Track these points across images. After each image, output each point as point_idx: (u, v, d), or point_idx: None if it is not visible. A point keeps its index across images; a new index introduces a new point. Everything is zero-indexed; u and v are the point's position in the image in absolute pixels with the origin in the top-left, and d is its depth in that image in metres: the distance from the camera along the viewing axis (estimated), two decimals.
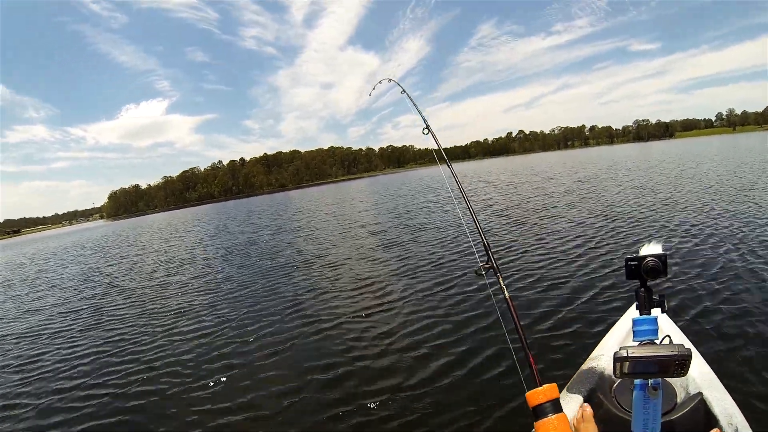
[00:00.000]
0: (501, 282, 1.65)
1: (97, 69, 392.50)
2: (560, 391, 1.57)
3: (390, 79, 3.54)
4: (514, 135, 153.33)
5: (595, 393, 1.88)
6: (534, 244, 8.08)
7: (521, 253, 7.53)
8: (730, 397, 1.73)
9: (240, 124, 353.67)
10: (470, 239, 2.25)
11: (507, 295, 1.59)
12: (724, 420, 1.61)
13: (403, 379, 3.85)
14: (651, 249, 1.40)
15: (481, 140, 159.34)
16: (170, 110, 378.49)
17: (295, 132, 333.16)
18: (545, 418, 1.07)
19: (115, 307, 8.44)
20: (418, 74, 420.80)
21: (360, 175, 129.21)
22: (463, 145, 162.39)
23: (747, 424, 1.63)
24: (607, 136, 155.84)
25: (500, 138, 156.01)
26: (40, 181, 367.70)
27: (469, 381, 3.61)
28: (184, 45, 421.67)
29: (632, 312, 1.87)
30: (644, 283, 1.39)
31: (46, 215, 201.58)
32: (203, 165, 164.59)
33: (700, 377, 1.81)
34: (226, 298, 7.63)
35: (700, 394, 1.72)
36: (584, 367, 2.09)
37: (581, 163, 36.70)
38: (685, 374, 1.20)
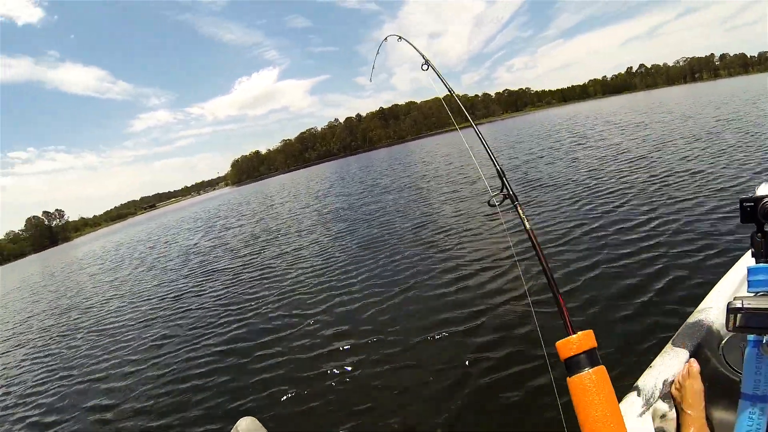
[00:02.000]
0: None
1: (206, 51, 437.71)
2: (665, 345, 1.79)
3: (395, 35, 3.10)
4: (634, 70, 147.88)
5: (702, 348, 1.81)
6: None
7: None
8: None
9: (352, 82, 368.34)
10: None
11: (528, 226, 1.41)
12: None
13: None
14: None
15: (599, 78, 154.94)
16: (282, 77, 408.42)
17: (409, 84, 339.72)
18: (580, 373, 0.92)
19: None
20: (525, 14, 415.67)
21: (479, 121, 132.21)
22: (581, 84, 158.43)
23: None
24: (740, 65, 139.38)
25: (620, 74, 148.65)
26: (168, 159, 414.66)
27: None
28: (285, 14, 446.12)
29: (747, 259, 1.82)
30: (761, 227, 1.24)
31: (177, 189, 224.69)
32: (320, 125, 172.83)
33: None
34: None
35: None
36: (690, 319, 2.01)
37: (716, 97, 31.30)
38: None
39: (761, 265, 1.22)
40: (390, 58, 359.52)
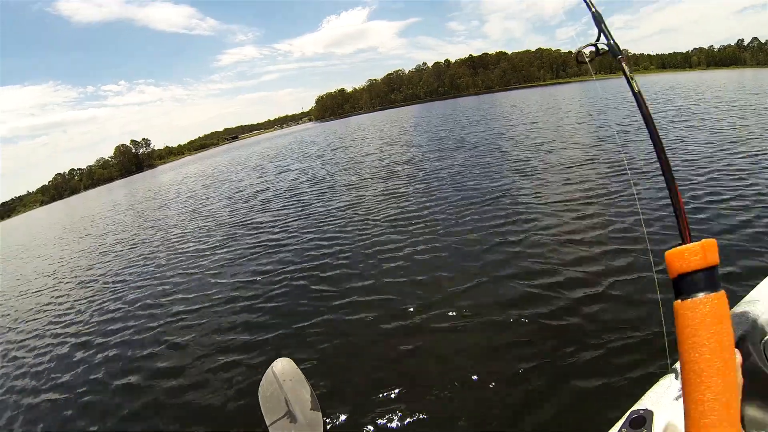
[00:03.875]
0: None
1: None
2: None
3: None
4: (746, 43, 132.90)
5: (744, 341, 1.74)
6: None
7: None
8: None
9: (444, 27, 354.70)
10: None
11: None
12: None
13: None
14: None
15: (706, 47, 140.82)
16: (371, 17, 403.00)
17: (501, 33, 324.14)
18: (694, 297, 0.69)
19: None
20: None
21: (569, 79, 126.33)
22: (684, 52, 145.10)
23: None
24: None
25: (729, 46, 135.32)
26: (252, 93, 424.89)
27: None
28: None
29: None
30: None
31: (260, 121, 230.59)
32: (408, 67, 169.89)
33: None
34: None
35: None
36: (736, 309, 1.92)
37: None
38: None
39: None
40: (483, 6, 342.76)
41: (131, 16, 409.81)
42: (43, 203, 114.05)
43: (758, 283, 2.08)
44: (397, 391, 3.24)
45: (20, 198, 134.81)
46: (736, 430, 0.67)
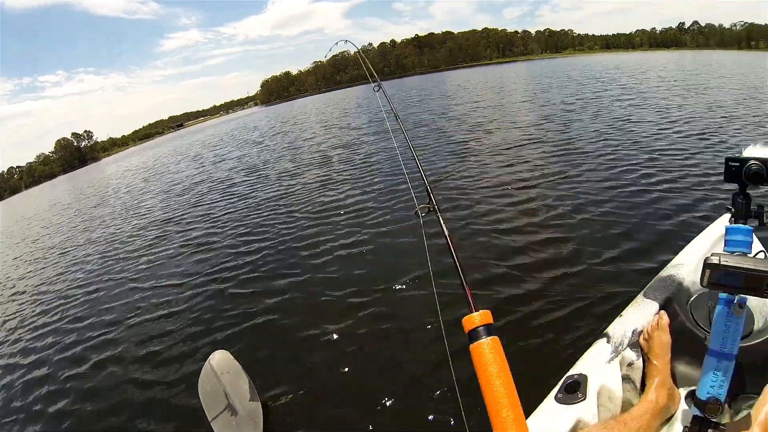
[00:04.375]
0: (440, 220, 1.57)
1: None
2: (635, 297, 1.92)
3: (346, 41, 4.02)
4: (687, 26, 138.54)
5: (671, 303, 1.89)
6: None
7: None
8: None
9: (390, 7, 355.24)
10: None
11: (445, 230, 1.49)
12: None
13: None
14: (757, 152, 1.32)
15: (648, 29, 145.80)
16: None
17: (447, 14, 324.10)
18: (478, 341, 1.07)
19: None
20: None
21: (515, 58, 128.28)
22: (627, 33, 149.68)
23: None
24: None
25: (670, 28, 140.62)
26: (197, 78, 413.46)
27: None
28: None
29: (724, 220, 1.88)
30: (743, 188, 1.33)
31: (205, 107, 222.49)
32: (353, 49, 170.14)
33: None
34: None
35: None
36: (663, 273, 2.09)
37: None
38: None
39: (740, 225, 1.30)
40: None
41: (69, 1, 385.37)
42: None
43: (681, 249, 2.24)
44: (335, 375, 3.31)
45: None
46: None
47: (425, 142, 11.46)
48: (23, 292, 7.97)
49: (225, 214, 8.85)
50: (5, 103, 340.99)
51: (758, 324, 1.70)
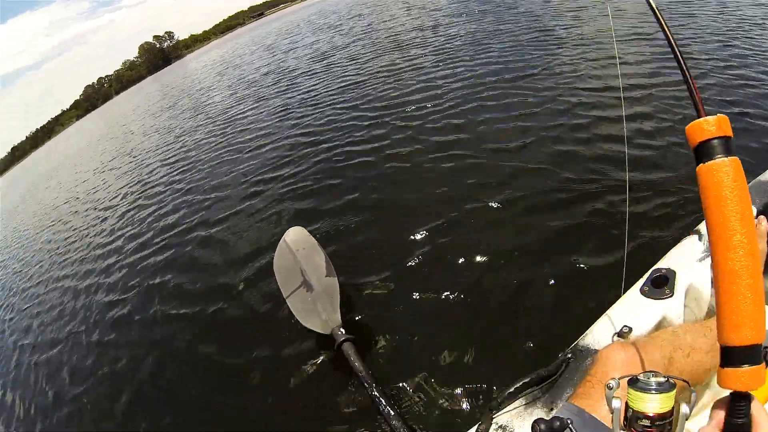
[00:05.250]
0: None
1: None
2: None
3: None
4: None
5: None
6: None
7: None
8: None
9: None
10: None
11: None
12: None
13: None
14: None
15: None
16: None
17: None
18: (712, 161, 0.77)
19: None
20: None
21: None
22: None
23: None
24: None
25: None
26: None
27: None
28: None
29: None
30: None
31: None
32: None
33: None
34: None
35: None
36: (763, 177, 1.89)
37: None
38: None
39: None
40: None
41: None
42: (78, 117, 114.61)
43: None
44: (416, 258, 3.11)
45: (56, 119, 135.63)
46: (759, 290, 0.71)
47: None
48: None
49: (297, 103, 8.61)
50: (85, 20, 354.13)
51: None
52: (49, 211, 11.07)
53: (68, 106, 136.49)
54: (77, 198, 10.53)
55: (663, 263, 1.64)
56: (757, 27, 5.26)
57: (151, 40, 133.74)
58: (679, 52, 0.92)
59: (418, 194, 3.86)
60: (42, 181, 19.43)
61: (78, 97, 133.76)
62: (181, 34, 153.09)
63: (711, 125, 0.78)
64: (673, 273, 1.54)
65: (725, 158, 0.76)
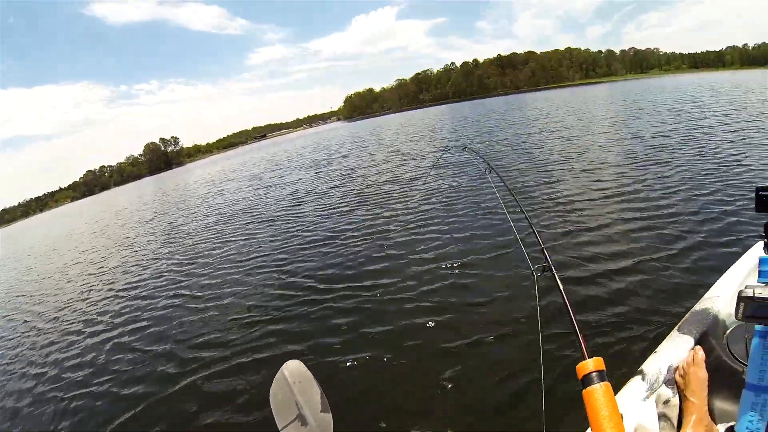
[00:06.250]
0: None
1: None
2: (669, 332, 1.92)
3: None
4: None
5: (707, 337, 1.84)
6: None
7: None
8: None
9: (472, 26, 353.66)
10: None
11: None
12: None
13: None
14: None
15: (740, 45, 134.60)
16: (399, 16, 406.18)
17: (530, 31, 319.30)
18: (591, 386, 1.07)
19: None
20: None
21: (599, 80, 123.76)
22: (717, 51, 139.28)
23: None
24: None
25: (763, 44, 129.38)
26: (281, 92, 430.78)
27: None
28: None
29: (758, 249, 1.75)
30: None
31: (288, 120, 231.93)
32: (436, 67, 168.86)
33: None
34: None
35: None
36: (697, 307, 2.02)
37: None
38: None
39: None
40: (514, 4, 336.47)
41: (165, 16, 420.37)
42: (74, 199, 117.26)
43: (716, 281, 2.23)
44: (403, 391, 3.33)
45: (52, 194, 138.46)
46: None
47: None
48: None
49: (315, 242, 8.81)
50: (103, 108, 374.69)
51: None
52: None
53: (66, 185, 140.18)
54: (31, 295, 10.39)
55: None
56: None
57: (157, 141, 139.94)
58: (569, 304, 1.32)
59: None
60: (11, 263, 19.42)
61: (78, 179, 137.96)
62: (186, 142, 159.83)
63: (590, 364, 1.10)
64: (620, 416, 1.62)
65: (600, 384, 1.07)
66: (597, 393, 1.07)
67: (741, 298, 1.17)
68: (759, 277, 1.27)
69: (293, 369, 3.17)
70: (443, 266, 5.58)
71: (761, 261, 1.28)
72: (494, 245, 5.90)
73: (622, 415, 1.05)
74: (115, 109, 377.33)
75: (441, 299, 4.76)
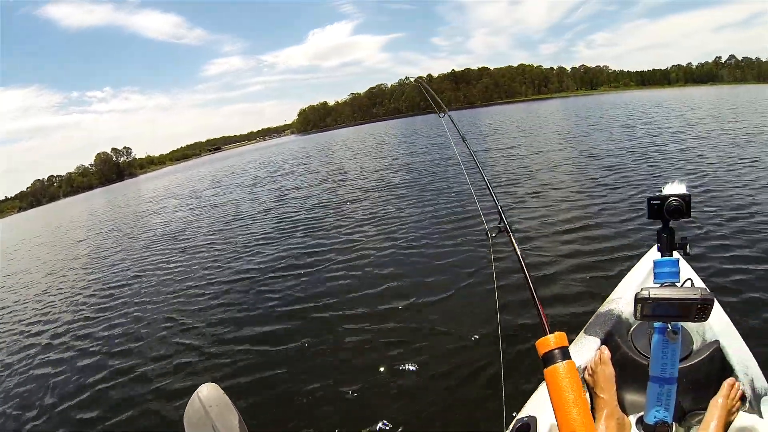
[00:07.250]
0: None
1: (282, 1, 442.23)
2: (575, 336, 1.94)
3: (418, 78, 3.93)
4: (723, 60, 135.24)
5: (613, 336, 1.95)
6: None
7: None
8: (747, 347, 1.82)
9: (428, 42, 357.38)
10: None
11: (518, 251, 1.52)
12: (740, 369, 1.68)
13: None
14: (674, 189, 1.38)
15: (684, 64, 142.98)
16: (356, 31, 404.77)
17: (485, 48, 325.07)
18: (554, 365, 1.05)
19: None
20: None
21: (551, 95, 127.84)
22: (663, 69, 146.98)
23: (762, 374, 1.73)
24: None
25: (706, 63, 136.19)
26: (236, 104, 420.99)
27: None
28: None
29: (653, 254, 1.86)
30: (666, 224, 1.38)
31: (242, 133, 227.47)
32: (391, 81, 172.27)
33: (718, 325, 1.86)
34: None
35: (716, 342, 1.77)
36: (602, 309, 2.17)
37: None
38: (706, 319, 1.23)
39: (666, 258, 1.37)
40: (469, 22, 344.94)
41: (121, 23, 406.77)
42: (21, 209, 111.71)
43: (618, 283, 2.42)
44: (325, 409, 3.23)
45: None
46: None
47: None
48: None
49: (271, 239, 8.79)
50: (53, 115, 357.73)
51: (696, 344, 1.87)
52: None
53: (12, 195, 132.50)
54: None
55: (523, 412, 1.80)
56: None
57: (109, 151, 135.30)
58: (531, 280, 1.36)
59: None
60: None
61: (25, 189, 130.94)
62: (139, 153, 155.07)
63: (552, 341, 1.09)
64: (534, 419, 1.66)
65: (564, 362, 1.06)
66: (560, 372, 1.05)
67: (638, 300, 1.26)
68: (654, 278, 1.36)
69: (209, 392, 2.99)
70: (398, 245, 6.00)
71: (655, 264, 1.37)
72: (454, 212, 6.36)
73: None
74: (66, 116, 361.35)
75: (395, 283, 4.99)
